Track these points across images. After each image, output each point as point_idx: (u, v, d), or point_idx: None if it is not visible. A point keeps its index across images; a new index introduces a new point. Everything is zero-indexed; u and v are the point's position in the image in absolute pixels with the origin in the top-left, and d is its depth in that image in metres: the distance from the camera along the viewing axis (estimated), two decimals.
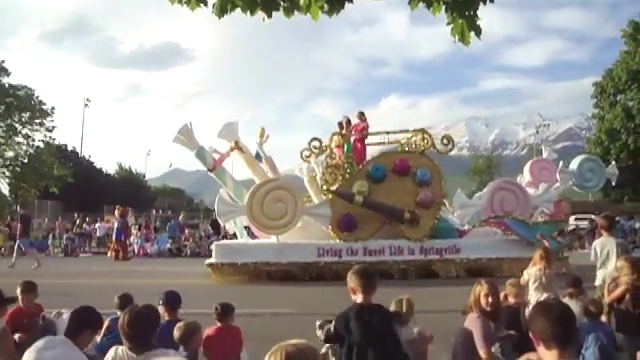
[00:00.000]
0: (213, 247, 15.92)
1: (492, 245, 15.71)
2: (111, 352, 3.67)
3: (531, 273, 6.90)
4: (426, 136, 16.52)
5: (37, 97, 42.93)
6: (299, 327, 5.77)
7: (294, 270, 14.81)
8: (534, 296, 6.60)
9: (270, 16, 3.16)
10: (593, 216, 32.49)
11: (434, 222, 15.76)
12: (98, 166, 62.07)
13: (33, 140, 43.33)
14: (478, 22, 3.28)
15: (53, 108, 43.66)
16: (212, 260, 15.14)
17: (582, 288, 6.75)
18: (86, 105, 53.87)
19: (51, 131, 43.97)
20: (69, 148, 56.61)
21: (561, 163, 19.36)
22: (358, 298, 4.08)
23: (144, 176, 73.01)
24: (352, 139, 16.83)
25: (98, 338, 5.21)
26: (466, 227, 16.66)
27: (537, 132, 74.56)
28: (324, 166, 16.11)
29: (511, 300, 6.65)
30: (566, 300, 6.21)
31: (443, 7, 3.29)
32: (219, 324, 5.40)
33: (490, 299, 4.93)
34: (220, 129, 15.96)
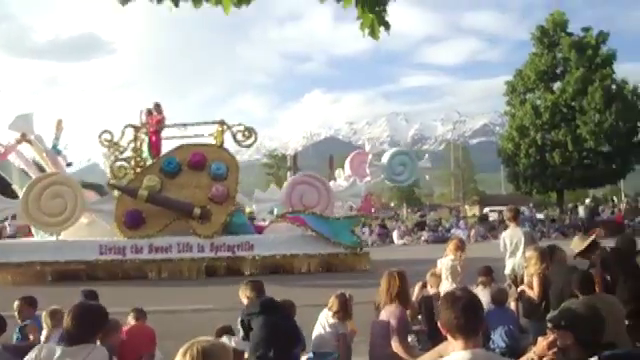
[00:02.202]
0: None
1: (287, 241, 14.89)
2: (34, 350, 3.46)
3: (444, 263, 7.05)
4: (225, 128, 15.65)
5: None
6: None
7: (73, 269, 13.74)
8: (445, 285, 6.74)
9: (177, 5, 3.04)
10: (502, 208, 34.06)
11: (226, 218, 14.87)
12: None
13: None
14: (387, 18, 3.33)
15: None
16: None
17: (492, 277, 7.04)
18: None
19: None
20: None
21: (370, 157, 18.77)
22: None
23: None
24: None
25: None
26: (266, 222, 15.92)
27: (454, 128, 77.36)
28: (112, 160, 15.26)
29: (432, 291, 6.82)
30: (479, 289, 6.44)
31: (353, 1, 3.30)
32: (132, 323, 5.27)
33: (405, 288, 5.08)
34: (12, 120, 14.86)
